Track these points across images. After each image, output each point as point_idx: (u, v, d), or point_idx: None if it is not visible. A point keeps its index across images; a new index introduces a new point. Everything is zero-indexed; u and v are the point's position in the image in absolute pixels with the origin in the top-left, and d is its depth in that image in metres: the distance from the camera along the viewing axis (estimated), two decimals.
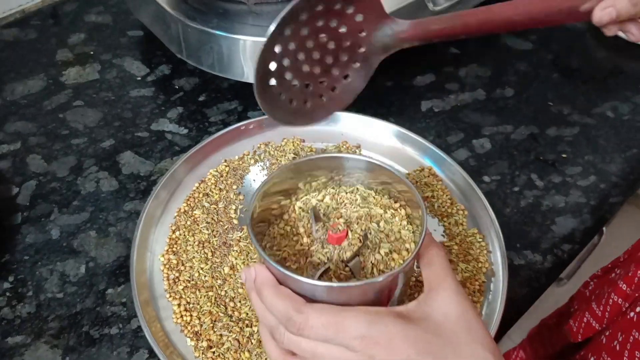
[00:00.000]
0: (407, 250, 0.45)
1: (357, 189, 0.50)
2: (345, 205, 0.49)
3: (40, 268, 0.56)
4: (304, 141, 0.65)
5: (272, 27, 0.39)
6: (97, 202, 0.62)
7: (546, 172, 0.65)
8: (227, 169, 0.62)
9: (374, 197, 0.49)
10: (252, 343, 0.49)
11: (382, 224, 0.47)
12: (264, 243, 0.46)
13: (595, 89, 0.76)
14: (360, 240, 0.45)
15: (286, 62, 0.42)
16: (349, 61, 0.45)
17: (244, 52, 0.63)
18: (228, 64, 0.65)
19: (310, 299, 0.37)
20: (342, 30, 0.43)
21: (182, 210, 0.58)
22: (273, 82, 0.42)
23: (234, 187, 0.61)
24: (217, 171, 0.62)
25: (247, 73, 0.65)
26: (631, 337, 0.47)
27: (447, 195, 0.60)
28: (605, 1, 0.39)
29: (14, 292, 0.54)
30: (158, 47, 0.77)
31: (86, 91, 0.74)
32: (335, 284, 0.39)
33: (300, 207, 0.49)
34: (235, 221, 0.58)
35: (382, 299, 0.40)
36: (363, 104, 0.72)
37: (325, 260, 0.44)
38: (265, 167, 0.63)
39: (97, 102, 0.73)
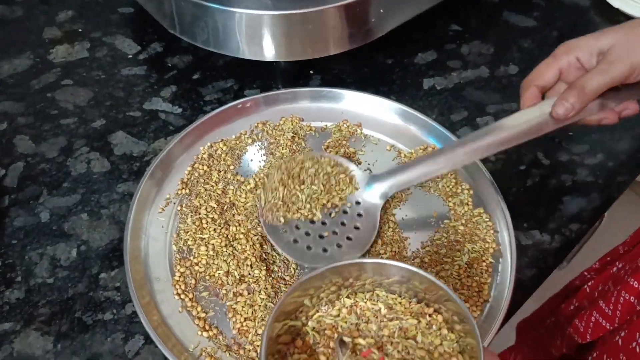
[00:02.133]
0: None
1: (377, 294, 0.41)
2: (368, 319, 0.40)
3: (30, 252, 0.54)
4: (302, 120, 0.63)
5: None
6: (89, 184, 0.60)
7: (553, 150, 0.64)
8: (224, 147, 0.60)
9: (401, 303, 0.41)
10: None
11: (419, 338, 0.39)
12: None
13: None
14: None
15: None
16: (352, 215, 0.53)
17: (240, 26, 0.60)
18: (223, 39, 0.62)
19: None
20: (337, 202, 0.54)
21: (180, 193, 0.56)
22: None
23: (232, 167, 0.59)
24: (211, 147, 0.60)
25: (243, 49, 0.63)
26: None
27: (451, 175, 0.58)
28: (558, 98, 0.45)
29: (2, 277, 0.52)
30: (150, 25, 0.74)
31: (76, 70, 0.71)
32: None
33: (314, 329, 0.40)
34: (235, 201, 0.56)
35: None
36: (363, 82, 0.70)
37: None
38: (263, 147, 0.61)
39: (88, 81, 0.70)
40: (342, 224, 0.53)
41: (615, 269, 0.58)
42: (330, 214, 0.53)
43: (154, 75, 0.71)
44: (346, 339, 0.39)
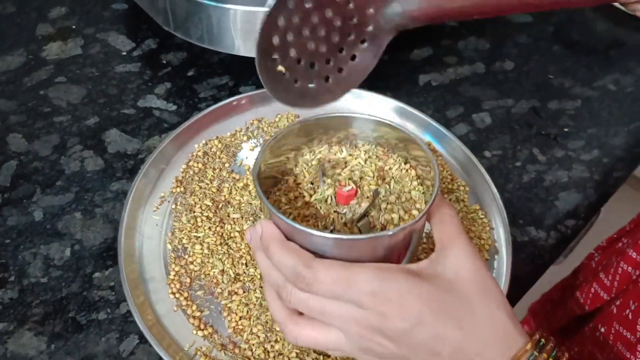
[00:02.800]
0: (417, 210, 0.42)
1: (366, 145, 0.48)
2: (353, 160, 0.46)
3: (23, 252, 0.54)
4: (298, 117, 0.63)
5: None
6: (82, 182, 0.59)
7: (548, 146, 0.63)
8: (219, 145, 0.59)
9: (384, 153, 0.47)
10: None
11: (392, 184, 0.44)
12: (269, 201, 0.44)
13: (597, 62, 0.73)
14: (369, 199, 0.43)
15: (290, 36, 0.39)
16: (356, 40, 0.42)
17: (234, 23, 0.60)
18: (218, 35, 0.62)
19: (319, 256, 0.36)
20: (350, 6, 0.40)
21: (175, 192, 0.56)
22: (276, 56, 0.39)
23: (227, 165, 0.58)
24: (206, 144, 0.59)
25: (239, 46, 0.62)
26: None
27: (447, 171, 0.58)
28: None
29: None
30: (144, 21, 0.74)
31: (69, 67, 0.71)
32: (345, 236, 0.37)
33: (305, 162, 0.46)
34: (231, 200, 0.55)
35: (392, 258, 0.38)
36: None
37: (334, 219, 0.42)
38: (258, 144, 0.60)
39: (81, 78, 0.69)
40: (341, 50, 0.42)
41: (620, 244, 0.58)
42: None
43: (148, 72, 0.70)
44: (327, 170, 0.45)
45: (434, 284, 0.34)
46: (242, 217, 0.54)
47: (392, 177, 0.45)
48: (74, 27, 0.76)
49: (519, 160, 0.62)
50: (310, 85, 0.42)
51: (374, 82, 0.69)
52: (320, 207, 0.43)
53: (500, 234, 0.53)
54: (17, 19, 0.77)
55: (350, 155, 0.47)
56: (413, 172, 0.45)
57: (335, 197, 0.43)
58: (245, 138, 0.61)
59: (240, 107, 0.63)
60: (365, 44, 0.42)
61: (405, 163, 0.46)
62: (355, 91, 0.63)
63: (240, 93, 0.67)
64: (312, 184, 0.45)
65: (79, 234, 0.55)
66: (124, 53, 0.73)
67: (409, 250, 0.40)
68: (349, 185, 0.44)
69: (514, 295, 0.52)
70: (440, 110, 0.67)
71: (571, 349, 0.56)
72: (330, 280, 0.34)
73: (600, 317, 0.52)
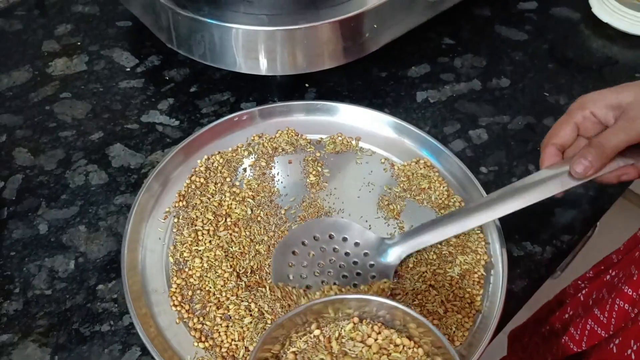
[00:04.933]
0: None
1: (359, 323, 0.45)
2: (349, 348, 0.43)
3: (28, 264, 0.55)
4: (298, 134, 0.64)
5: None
6: (87, 196, 0.60)
7: None
8: (221, 160, 0.61)
9: (379, 331, 0.44)
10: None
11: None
12: None
13: (591, 79, 0.75)
14: None
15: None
16: (366, 276, 0.52)
17: (236, 41, 0.61)
18: (220, 53, 0.63)
19: None
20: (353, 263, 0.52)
21: (178, 206, 0.57)
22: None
23: (228, 179, 0.59)
24: (208, 159, 0.61)
25: (240, 63, 0.64)
26: None
27: (444, 187, 0.59)
28: (577, 155, 0.45)
29: (0, 289, 0.53)
30: (147, 38, 0.75)
31: (74, 83, 0.72)
32: None
33: (294, 353, 0.44)
34: (231, 213, 0.56)
35: None
36: (357, 95, 0.71)
37: None
38: (259, 159, 0.62)
39: (86, 93, 0.71)
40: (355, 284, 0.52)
41: (608, 276, 0.58)
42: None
43: (152, 88, 0.72)
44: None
45: None
46: (242, 231, 0.55)
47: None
48: (79, 43, 0.77)
49: (515, 176, 0.63)
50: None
51: (372, 100, 0.70)
52: None
53: (497, 249, 0.54)
54: (23, 35, 0.78)
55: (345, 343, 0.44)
56: (421, 351, 0.43)
57: None
58: (246, 153, 0.62)
59: (242, 123, 0.64)
60: (375, 278, 0.51)
61: (409, 340, 0.44)
62: (354, 108, 0.65)
63: (241, 109, 0.68)
64: None
65: (83, 247, 0.56)
66: (128, 69, 0.74)
67: None
68: None
69: (509, 310, 0.53)
70: (438, 127, 0.68)
71: None
72: None
73: (599, 355, 0.52)
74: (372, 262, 0.53)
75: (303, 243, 0.54)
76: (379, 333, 0.44)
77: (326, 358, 0.43)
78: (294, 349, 0.44)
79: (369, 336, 0.44)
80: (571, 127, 0.47)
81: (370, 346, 0.43)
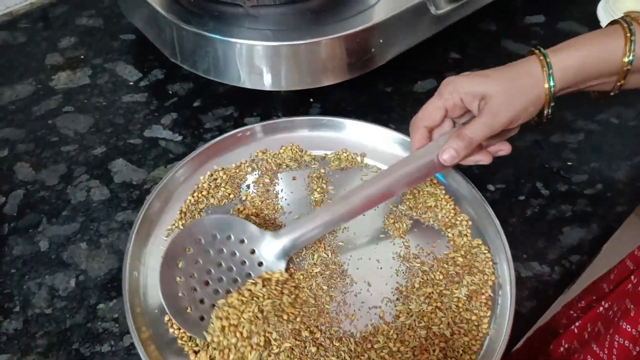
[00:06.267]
0: None
1: None
2: None
3: (28, 282, 0.54)
4: (302, 150, 0.63)
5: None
6: (88, 212, 0.60)
7: (552, 180, 0.64)
8: (224, 176, 0.60)
9: None
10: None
11: None
12: None
13: None
14: None
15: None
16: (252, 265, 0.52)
17: (240, 56, 0.61)
18: (224, 68, 0.63)
19: None
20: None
21: (179, 224, 0.56)
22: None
23: (231, 196, 0.59)
24: (211, 176, 0.60)
25: (244, 78, 0.63)
26: None
27: (450, 205, 0.59)
28: (445, 145, 0.50)
29: (0, 307, 0.52)
30: (151, 51, 0.75)
31: (77, 96, 0.72)
32: None
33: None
34: None
35: None
36: (363, 111, 0.70)
37: None
38: (263, 175, 0.61)
39: (88, 107, 0.70)
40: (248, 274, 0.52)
41: (601, 308, 0.57)
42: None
43: (155, 102, 0.71)
44: None
45: None
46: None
47: None
48: (82, 57, 0.77)
49: (522, 194, 0.62)
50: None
51: (377, 115, 0.70)
52: None
53: (504, 269, 0.53)
54: (27, 48, 0.78)
55: None
56: None
57: None
58: (249, 169, 0.61)
59: (245, 139, 0.63)
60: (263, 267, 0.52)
61: None
62: (359, 124, 0.64)
63: (245, 124, 0.67)
64: None
65: (83, 264, 0.55)
66: (132, 83, 0.74)
67: None
68: None
69: (517, 332, 0.52)
70: None
71: None
72: None
73: None
74: (260, 260, 0.52)
75: (187, 250, 0.51)
76: None
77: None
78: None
79: None
80: (442, 112, 0.52)
81: None
